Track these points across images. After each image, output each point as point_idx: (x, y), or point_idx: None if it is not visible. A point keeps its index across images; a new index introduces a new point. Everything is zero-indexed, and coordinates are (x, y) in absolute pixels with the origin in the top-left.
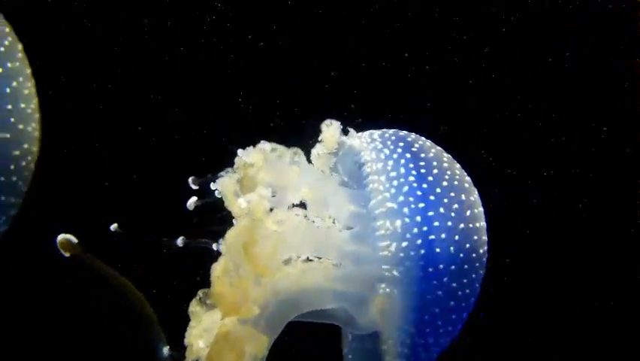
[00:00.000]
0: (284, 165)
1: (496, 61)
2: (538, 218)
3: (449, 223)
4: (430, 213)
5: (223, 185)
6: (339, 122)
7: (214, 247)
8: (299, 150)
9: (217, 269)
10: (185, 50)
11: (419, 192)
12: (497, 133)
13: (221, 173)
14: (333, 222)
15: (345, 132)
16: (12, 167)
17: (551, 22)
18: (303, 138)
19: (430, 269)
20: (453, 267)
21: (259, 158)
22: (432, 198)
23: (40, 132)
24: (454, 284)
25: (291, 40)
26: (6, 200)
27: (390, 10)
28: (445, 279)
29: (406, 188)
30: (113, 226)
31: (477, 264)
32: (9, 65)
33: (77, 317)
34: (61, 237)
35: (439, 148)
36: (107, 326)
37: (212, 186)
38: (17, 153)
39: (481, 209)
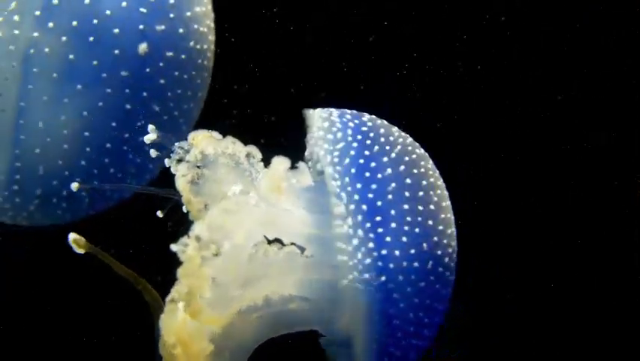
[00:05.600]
0: (233, 218)
1: (495, 60)
2: (536, 218)
3: (404, 239)
4: (388, 239)
5: (179, 185)
6: (288, 162)
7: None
8: (254, 150)
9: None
10: None
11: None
12: (493, 132)
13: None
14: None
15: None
16: (191, 45)
17: (549, 20)
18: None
19: (391, 285)
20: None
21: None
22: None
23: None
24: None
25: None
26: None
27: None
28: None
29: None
30: (74, 185)
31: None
32: None
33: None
34: (72, 235)
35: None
36: (118, 323)
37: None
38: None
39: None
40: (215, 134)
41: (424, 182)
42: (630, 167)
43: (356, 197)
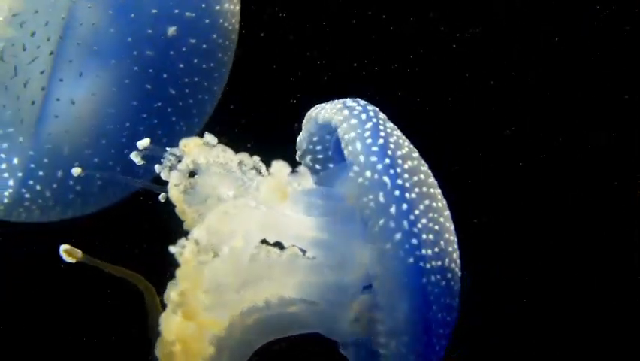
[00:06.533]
0: (230, 223)
1: (495, 60)
2: (537, 218)
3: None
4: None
5: (172, 196)
6: (288, 168)
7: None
8: (245, 158)
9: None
10: None
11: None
12: (493, 132)
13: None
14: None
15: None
16: (214, 37)
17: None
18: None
19: (429, 287)
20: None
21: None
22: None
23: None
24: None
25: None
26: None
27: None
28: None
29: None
30: (76, 171)
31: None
32: None
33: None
34: (64, 246)
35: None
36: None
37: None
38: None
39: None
40: (210, 139)
41: (430, 179)
42: (630, 167)
43: (399, 182)
